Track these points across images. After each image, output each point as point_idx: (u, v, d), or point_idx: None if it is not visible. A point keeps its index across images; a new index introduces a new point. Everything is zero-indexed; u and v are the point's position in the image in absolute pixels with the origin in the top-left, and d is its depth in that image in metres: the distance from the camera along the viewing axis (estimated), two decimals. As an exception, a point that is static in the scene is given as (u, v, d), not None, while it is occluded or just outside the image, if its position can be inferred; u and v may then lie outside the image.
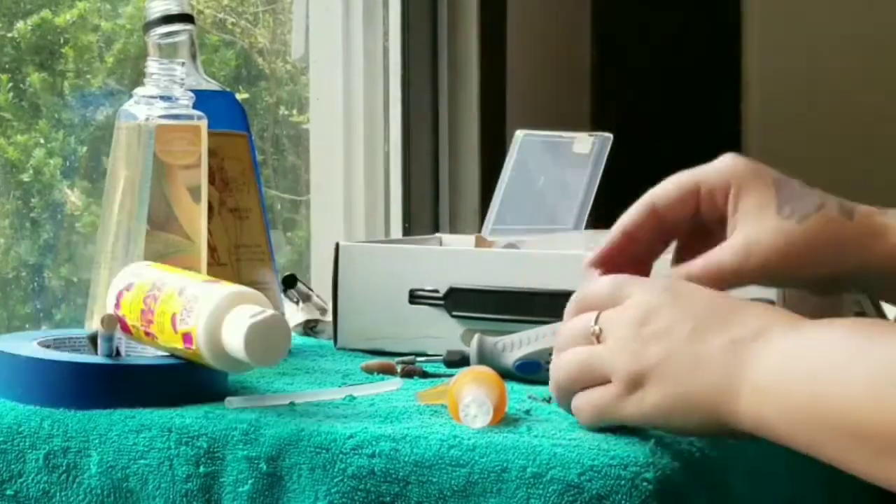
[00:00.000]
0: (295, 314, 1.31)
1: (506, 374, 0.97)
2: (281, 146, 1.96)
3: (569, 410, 0.87)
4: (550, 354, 0.89)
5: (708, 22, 2.54)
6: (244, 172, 1.20)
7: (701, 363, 0.80)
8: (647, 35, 2.50)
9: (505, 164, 1.27)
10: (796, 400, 0.77)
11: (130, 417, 0.89)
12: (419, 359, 1.10)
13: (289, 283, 1.32)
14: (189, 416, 0.89)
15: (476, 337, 1.05)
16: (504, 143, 1.86)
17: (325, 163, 1.91)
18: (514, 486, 0.80)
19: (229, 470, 0.86)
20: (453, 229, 1.95)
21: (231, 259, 1.18)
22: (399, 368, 1.08)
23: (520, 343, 1.03)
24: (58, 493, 0.89)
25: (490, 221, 1.26)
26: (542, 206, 1.32)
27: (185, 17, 1.17)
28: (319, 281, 1.57)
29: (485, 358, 1.03)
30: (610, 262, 0.93)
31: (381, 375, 1.07)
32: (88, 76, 1.62)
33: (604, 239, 0.93)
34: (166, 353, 0.95)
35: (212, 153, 1.09)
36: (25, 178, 1.57)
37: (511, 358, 1.03)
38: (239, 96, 1.32)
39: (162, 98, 1.04)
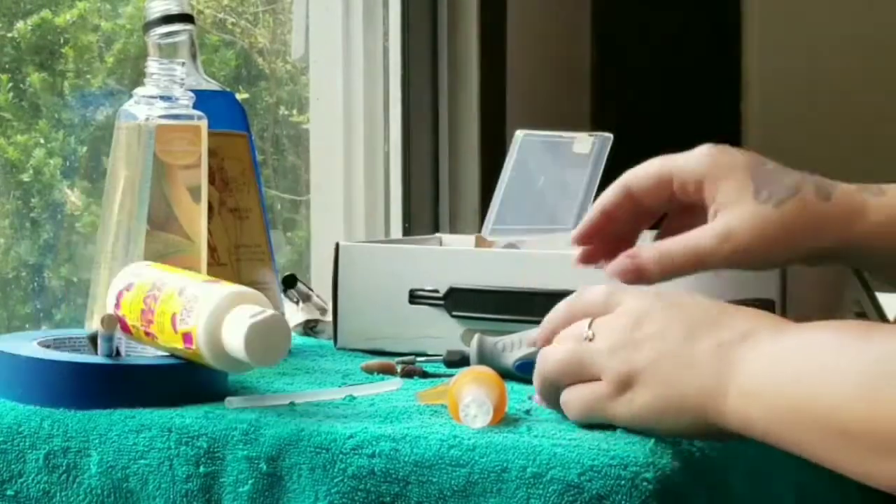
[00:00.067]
0: (295, 314, 1.31)
1: (506, 374, 0.97)
2: (281, 146, 1.96)
3: (549, 403, 0.88)
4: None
5: (708, 22, 2.54)
6: (244, 172, 1.20)
7: (690, 365, 0.81)
8: (647, 35, 2.50)
9: (505, 164, 1.26)
10: (784, 401, 0.77)
11: (130, 417, 0.89)
12: (419, 359, 1.10)
13: (289, 283, 1.32)
14: (189, 416, 0.89)
15: (476, 337, 1.05)
16: (504, 143, 1.86)
17: (325, 163, 1.91)
18: (514, 486, 0.80)
19: (229, 470, 0.86)
20: (453, 229, 1.95)
21: (231, 259, 1.18)
22: (399, 368, 1.08)
23: (520, 343, 1.03)
24: (58, 493, 0.89)
25: (490, 221, 1.26)
26: (542, 206, 1.31)
27: (185, 17, 1.17)
28: (319, 281, 1.57)
29: (485, 358, 1.03)
30: (590, 239, 0.98)
31: (381, 375, 1.07)
32: (88, 76, 1.62)
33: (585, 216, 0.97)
34: (166, 353, 0.95)
35: (212, 153, 1.09)
36: (25, 178, 1.57)
37: (511, 358, 1.03)
38: (239, 96, 1.32)
39: (162, 98, 1.04)
